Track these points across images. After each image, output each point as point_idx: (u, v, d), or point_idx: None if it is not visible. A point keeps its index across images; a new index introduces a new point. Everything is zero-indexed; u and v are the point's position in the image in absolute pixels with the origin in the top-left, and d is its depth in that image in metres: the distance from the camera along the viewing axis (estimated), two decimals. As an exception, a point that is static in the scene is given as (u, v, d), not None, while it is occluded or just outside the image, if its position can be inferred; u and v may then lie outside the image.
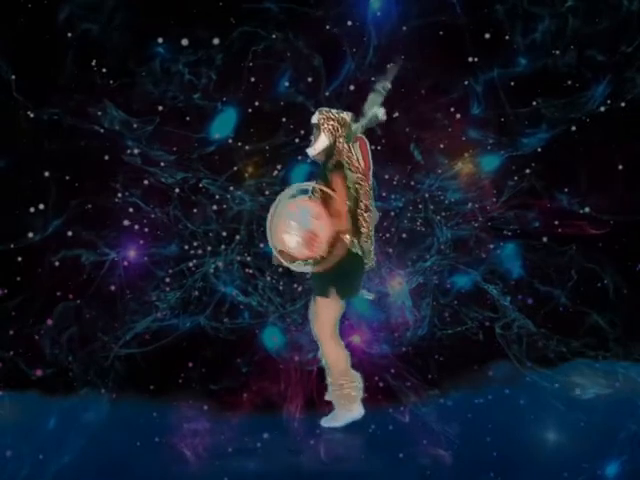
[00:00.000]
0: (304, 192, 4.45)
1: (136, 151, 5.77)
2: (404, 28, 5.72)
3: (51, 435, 5.13)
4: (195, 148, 5.82)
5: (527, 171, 5.83)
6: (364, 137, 4.48)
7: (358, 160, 4.39)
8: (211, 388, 5.68)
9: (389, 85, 4.53)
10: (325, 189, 4.32)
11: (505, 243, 5.94)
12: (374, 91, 4.54)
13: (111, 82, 5.74)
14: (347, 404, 4.42)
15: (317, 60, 5.81)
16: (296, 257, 4.33)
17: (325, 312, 4.40)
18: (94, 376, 5.64)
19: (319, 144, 4.47)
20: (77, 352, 5.67)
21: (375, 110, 4.47)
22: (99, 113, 5.75)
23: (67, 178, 5.79)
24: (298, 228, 4.25)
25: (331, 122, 4.39)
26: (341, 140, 4.36)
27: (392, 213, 5.90)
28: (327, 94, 5.71)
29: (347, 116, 4.43)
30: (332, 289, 4.41)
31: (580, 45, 5.63)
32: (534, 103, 5.75)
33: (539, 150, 5.80)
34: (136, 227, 5.83)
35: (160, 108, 5.79)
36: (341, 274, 4.36)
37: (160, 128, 5.78)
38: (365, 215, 4.36)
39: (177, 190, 5.84)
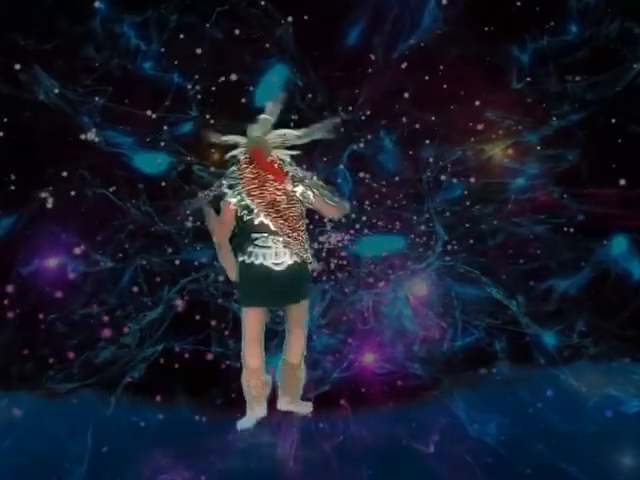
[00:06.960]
0: None
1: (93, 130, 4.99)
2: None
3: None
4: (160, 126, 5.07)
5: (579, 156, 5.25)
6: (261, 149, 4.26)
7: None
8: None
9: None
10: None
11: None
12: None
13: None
14: (250, 403, 4.49)
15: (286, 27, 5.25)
16: None
17: (243, 318, 4.46)
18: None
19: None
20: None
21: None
22: (30, 81, 5.00)
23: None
24: None
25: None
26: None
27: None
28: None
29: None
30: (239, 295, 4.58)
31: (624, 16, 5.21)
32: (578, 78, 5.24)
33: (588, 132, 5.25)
34: (103, 226, 5.01)
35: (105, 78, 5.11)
36: (241, 281, 4.43)
37: (110, 102, 5.06)
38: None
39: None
